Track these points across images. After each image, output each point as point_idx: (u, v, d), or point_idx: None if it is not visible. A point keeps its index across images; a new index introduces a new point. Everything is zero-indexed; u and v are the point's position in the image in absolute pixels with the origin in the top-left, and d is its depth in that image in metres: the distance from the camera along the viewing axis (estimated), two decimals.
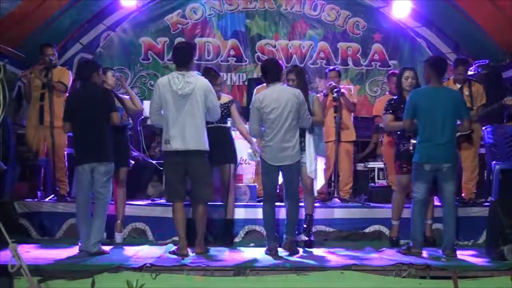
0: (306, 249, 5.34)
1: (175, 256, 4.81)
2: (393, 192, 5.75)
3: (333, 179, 6.69)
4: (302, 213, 5.50)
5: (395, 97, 5.74)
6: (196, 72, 5.54)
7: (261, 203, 6.01)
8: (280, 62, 5.40)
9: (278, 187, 5.34)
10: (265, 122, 5.06)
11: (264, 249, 5.11)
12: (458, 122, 5.10)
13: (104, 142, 5.03)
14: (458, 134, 5.24)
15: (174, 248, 5.12)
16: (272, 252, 4.95)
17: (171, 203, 5.04)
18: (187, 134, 4.87)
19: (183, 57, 5.03)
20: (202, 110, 4.94)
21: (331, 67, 7.37)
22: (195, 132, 4.89)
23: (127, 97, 6.03)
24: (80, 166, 5.03)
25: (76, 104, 5.12)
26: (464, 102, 5.37)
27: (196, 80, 4.96)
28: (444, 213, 5.06)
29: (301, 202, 5.43)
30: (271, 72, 5.16)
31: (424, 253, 4.98)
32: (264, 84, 6.63)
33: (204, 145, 4.96)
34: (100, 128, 5.03)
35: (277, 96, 5.02)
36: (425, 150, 4.98)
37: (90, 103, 5.04)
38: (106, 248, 5.08)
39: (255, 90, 6.80)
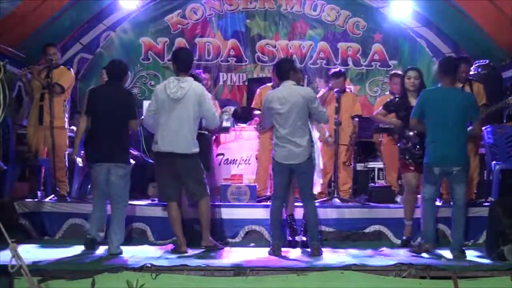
0: (304, 248, 5.33)
1: (175, 256, 4.81)
2: (404, 193, 5.71)
3: (333, 179, 6.67)
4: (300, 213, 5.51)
5: (397, 96, 5.73)
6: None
7: (261, 203, 6.03)
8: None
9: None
10: (274, 120, 5.08)
11: (265, 249, 5.12)
12: (469, 127, 5.07)
13: (123, 143, 5.08)
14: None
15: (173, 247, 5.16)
16: (275, 251, 4.95)
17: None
18: (174, 137, 4.96)
19: (185, 64, 5.13)
20: (193, 115, 5.00)
21: (336, 70, 7.15)
22: (182, 136, 4.96)
23: None
24: (96, 163, 5.03)
25: (98, 100, 5.13)
26: (476, 104, 5.29)
27: (190, 86, 5.00)
28: (453, 214, 5.07)
29: (299, 201, 5.43)
30: (283, 71, 5.15)
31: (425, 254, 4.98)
32: (268, 85, 6.64)
33: (191, 149, 5.01)
34: (120, 129, 5.07)
35: (284, 97, 5.00)
36: (434, 153, 4.95)
37: (114, 102, 5.07)
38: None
39: (258, 90, 6.78)
